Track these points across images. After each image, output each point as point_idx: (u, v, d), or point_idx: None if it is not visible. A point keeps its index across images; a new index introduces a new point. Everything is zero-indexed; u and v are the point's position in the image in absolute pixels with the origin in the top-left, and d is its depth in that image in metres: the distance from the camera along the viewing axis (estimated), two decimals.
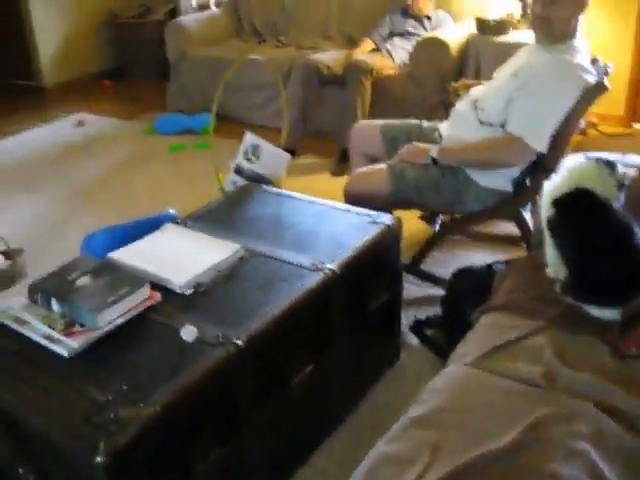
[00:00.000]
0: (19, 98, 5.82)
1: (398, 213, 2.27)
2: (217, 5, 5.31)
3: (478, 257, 2.80)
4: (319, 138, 4.18)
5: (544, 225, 1.81)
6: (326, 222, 2.10)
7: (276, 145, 2.68)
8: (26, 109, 5.49)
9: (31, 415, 1.41)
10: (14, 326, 1.64)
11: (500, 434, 1.33)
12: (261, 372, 1.63)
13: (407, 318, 2.46)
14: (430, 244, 2.74)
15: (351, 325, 1.95)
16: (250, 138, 2.57)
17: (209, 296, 1.76)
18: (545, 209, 1.80)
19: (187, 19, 4.91)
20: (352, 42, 4.40)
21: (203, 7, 5.38)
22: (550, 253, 1.79)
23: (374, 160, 2.70)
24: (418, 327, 2.43)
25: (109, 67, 6.11)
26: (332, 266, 1.84)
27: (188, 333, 1.57)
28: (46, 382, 1.47)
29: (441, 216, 2.99)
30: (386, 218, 2.09)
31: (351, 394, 2.04)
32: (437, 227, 2.98)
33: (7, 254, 2.97)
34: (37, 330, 1.62)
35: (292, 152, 3.95)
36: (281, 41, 4.66)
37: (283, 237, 2.03)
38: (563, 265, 1.74)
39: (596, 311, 1.69)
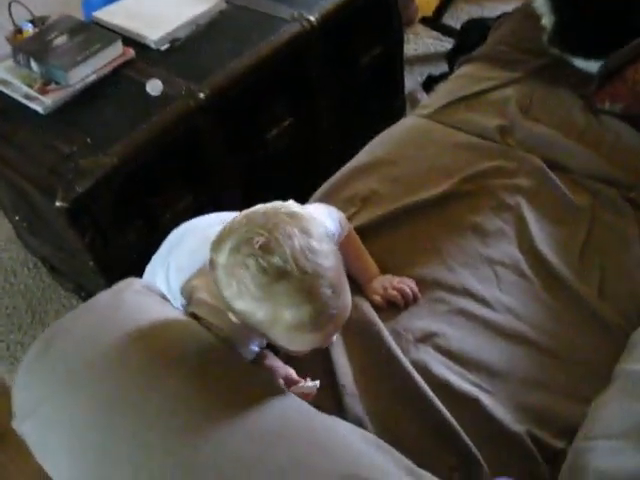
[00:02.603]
0: None
1: None
2: None
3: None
4: None
5: None
6: None
7: None
8: None
9: (8, 169, 1.53)
10: None
11: (435, 186, 1.34)
12: (228, 125, 1.66)
13: (422, 75, 2.39)
14: None
15: (336, 79, 1.91)
16: None
17: (183, 51, 1.75)
18: None
19: None
20: None
21: None
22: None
23: None
24: (430, 83, 2.34)
25: None
26: (311, 17, 1.76)
27: (153, 87, 1.60)
28: (22, 138, 1.56)
29: None
30: None
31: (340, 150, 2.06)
32: None
33: (34, 22, 3.00)
34: (18, 89, 1.68)
35: None
36: None
37: None
38: (552, 13, 1.60)
39: (581, 63, 1.58)
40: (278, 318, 0.85)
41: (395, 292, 1.19)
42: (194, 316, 1.01)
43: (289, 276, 0.83)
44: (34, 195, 1.48)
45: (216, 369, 0.90)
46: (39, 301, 1.88)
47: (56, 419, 0.87)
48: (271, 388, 0.92)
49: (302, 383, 1.04)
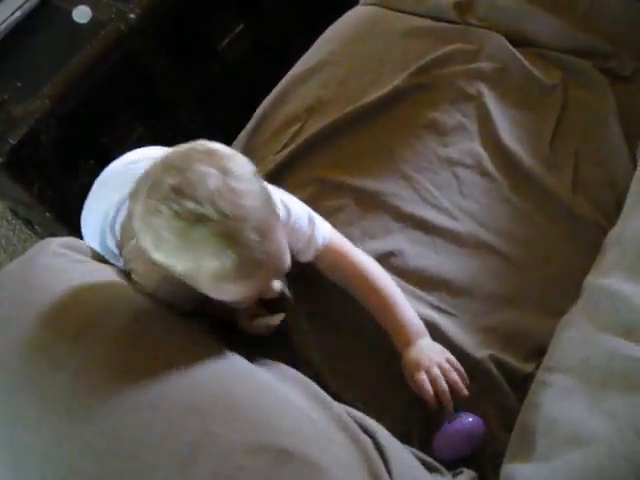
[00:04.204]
0: None
1: None
2: None
3: None
4: None
5: None
6: None
7: None
8: None
9: None
10: None
11: (385, 84, 1.19)
12: (170, 42, 1.52)
13: None
14: None
15: None
16: None
17: None
18: None
19: None
20: None
21: None
22: None
23: None
24: None
25: None
26: None
27: (80, 14, 1.47)
28: None
29: None
30: None
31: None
32: None
33: None
34: None
35: None
36: None
37: None
38: None
39: None
40: (200, 268, 0.76)
41: (439, 375, 0.88)
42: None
43: (206, 220, 0.73)
44: None
45: (127, 337, 0.82)
46: (22, 254, 1.83)
47: None
48: (195, 349, 0.84)
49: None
